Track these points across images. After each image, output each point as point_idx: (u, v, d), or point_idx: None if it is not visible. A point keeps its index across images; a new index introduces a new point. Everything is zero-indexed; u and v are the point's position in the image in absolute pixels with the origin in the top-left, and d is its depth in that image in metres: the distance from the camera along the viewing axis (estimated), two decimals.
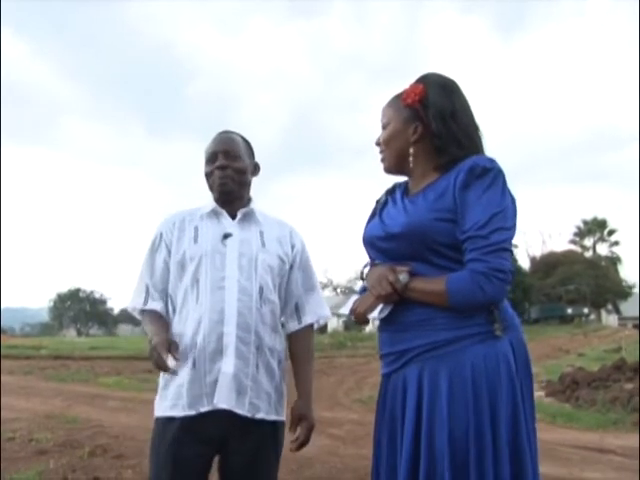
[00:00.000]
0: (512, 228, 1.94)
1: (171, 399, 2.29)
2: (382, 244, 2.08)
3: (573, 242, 65.61)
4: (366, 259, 2.20)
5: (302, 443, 2.45)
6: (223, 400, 2.25)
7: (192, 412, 2.25)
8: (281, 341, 2.45)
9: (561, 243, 65.03)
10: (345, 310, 2.15)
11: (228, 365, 2.26)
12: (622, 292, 59.28)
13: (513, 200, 1.98)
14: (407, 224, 1.99)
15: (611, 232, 64.59)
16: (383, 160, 2.19)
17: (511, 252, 1.94)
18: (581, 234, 65.57)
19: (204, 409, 2.25)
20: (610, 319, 60.30)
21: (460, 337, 1.93)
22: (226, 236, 2.37)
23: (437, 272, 1.96)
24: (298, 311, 2.53)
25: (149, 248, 2.48)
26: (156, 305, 2.42)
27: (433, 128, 2.04)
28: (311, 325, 2.56)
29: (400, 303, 2.00)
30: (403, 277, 1.97)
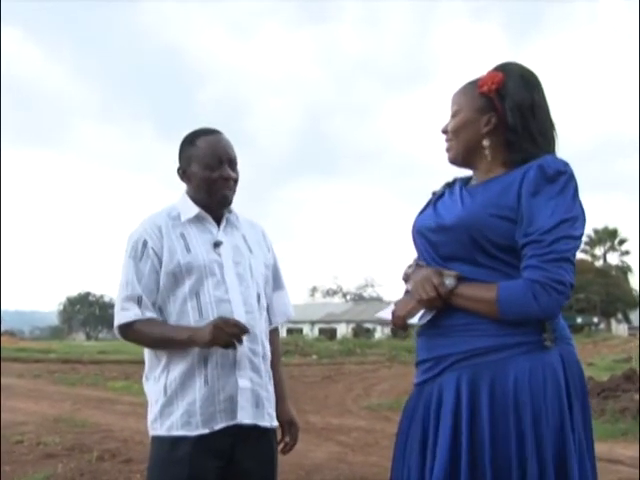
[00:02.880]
0: (579, 238, 1.79)
1: (180, 417, 2.19)
2: (432, 236, 1.93)
3: (584, 251, 65.19)
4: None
5: (292, 446, 2.47)
6: (245, 416, 2.21)
7: (206, 430, 2.17)
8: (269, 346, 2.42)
9: None
10: (385, 315, 2.01)
11: (245, 379, 2.23)
12: (632, 301, 58.86)
13: (583, 210, 1.83)
14: (461, 216, 1.85)
15: (622, 241, 64.27)
16: (449, 150, 2.02)
17: (573, 264, 1.77)
18: (592, 243, 65.25)
19: (219, 426, 2.18)
20: (620, 328, 59.99)
21: (504, 345, 1.78)
22: (217, 244, 2.29)
23: (488, 275, 1.82)
24: (268, 312, 2.49)
25: (131, 256, 2.28)
26: (152, 316, 2.25)
27: (509, 121, 1.89)
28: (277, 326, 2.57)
29: (443, 306, 1.86)
30: (450, 282, 1.82)
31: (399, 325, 1.94)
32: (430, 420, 1.86)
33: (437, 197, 2.05)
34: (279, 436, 2.45)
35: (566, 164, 1.82)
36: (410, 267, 1.99)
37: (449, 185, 2.08)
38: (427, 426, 1.86)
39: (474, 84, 1.98)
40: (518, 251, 1.79)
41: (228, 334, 2.10)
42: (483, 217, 1.81)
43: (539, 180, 1.78)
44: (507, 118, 1.90)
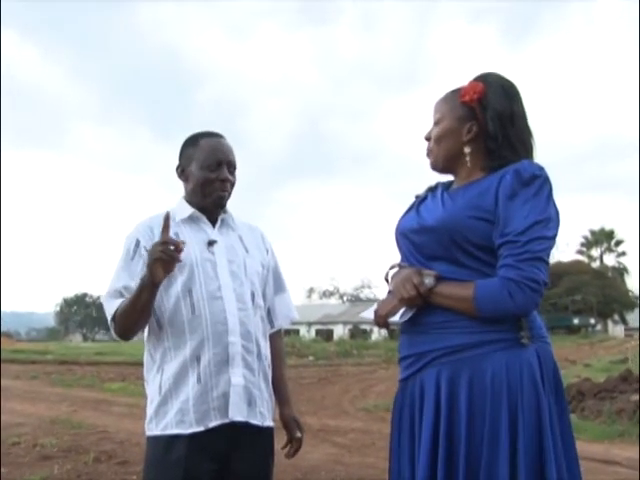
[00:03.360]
0: (553, 239, 1.87)
1: (175, 416, 2.18)
2: (415, 237, 2.01)
3: (580, 252, 65.42)
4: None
5: (297, 449, 2.46)
6: (237, 413, 2.21)
7: (200, 428, 2.17)
8: (268, 346, 2.41)
9: (568, 253, 64.63)
10: (368, 314, 2.08)
11: (238, 376, 2.22)
12: (629, 303, 58.97)
13: (557, 212, 1.91)
14: (442, 218, 1.94)
15: (618, 243, 64.41)
16: (430, 156, 2.12)
17: (547, 263, 1.86)
18: (588, 244, 65.37)
19: (213, 424, 2.18)
20: (616, 330, 60.06)
21: (482, 342, 1.86)
22: (211, 243, 2.30)
23: (467, 274, 1.90)
24: (270, 315, 2.50)
25: (123, 256, 2.30)
26: None
27: (489, 129, 1.98)
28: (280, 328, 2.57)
29: (423, 304, 1.94)
30: (429, 281, 1.90)
31: (381, 323, 2.01)
32: (416, 416, 1.94)
33: (420, 200, 2.13)
34: (284, 439, 2.45)
35: (541, 168, 1.91)
36: (392, 268, 2.07)
37: (431, 189, 2.16)
38: (414, 421, 1.95)
39: (455, 93, 2.06)
40: (496, 251, 1.87)
41: (160, 245, 2.03)
42: (463, 218, 1.90)
43: (515, 184, 1.86)
44: (488, 127, 1.98)
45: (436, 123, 2.08)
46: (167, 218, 2.09)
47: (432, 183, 2.19)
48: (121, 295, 2.23)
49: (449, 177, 2.14)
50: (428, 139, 2.12)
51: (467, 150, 2.01)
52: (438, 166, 2.11)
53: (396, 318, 1.96)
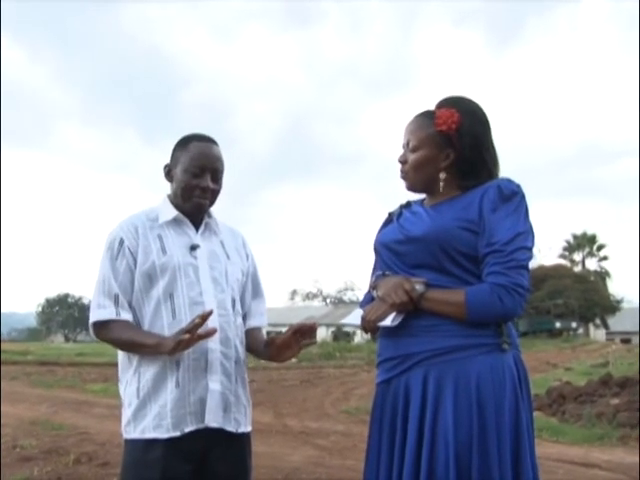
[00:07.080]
0: (531, 249, 2.03)
1: (153, 420, 2.20)
2: (400, 247, 2.13)
3: (562, 256, 65.62)
4: (369, 269, 2.27)
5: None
6: (213, 419, 2.22)
7: (177, 433, 2.18)
8: (244, 351, 2.43)
9: (550, 257, 64.97)
10: (353, 320, 2.17)
11: (215, 382, 2.24)
12: (610, 307, 59.23)
13: (532, 225, 2.06)
14: (430, 228, 2.06)
15: (600, 247, 64.66)
16: (406, 179, 2.23)
17: (529, 271, 2.01)
18: (570, 248, 65.54)
19: (189, 429, 2.19)
20: (598, 334, 60.39)
21: (468, 345, 1.98)
22: (194, 247, 2.31)
23: (451, 282, 2.02)
24: (246, 317, 2.51)
25: (107, 255, 2.30)
26: (128, 317, 2.26)
27: (467, 156, 2.11)
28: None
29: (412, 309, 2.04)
30: (420, 287, 2.01)
31: (370, 328, 2.10)
32: (398, 415, 2.03)
33: (397, 216, 2.25)
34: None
35: (519, 186, 2.07)
36: (377, 277, 2.17)
37: (404, 206, 2.29)
38: (395, 421, 2.04)
39: (429, 119, 2.16)
40: (479, 259, 2.01)
41: (186, 343, 2.09)
42: (451, 229, 2.03)
43: (497, 199, 2.02)
44: (465, 153, 2.12)
45: (413, 150, 2.18)
46: (205, 316, 2.08)
47: (403, 201, 2.32)
48: (115, 301, 2.24)
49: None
50: (403, 162, 2.22)
51: (442, 176, 2.14)
52: (416, 188, 2.24)
53: (387, 322, 2.03)
